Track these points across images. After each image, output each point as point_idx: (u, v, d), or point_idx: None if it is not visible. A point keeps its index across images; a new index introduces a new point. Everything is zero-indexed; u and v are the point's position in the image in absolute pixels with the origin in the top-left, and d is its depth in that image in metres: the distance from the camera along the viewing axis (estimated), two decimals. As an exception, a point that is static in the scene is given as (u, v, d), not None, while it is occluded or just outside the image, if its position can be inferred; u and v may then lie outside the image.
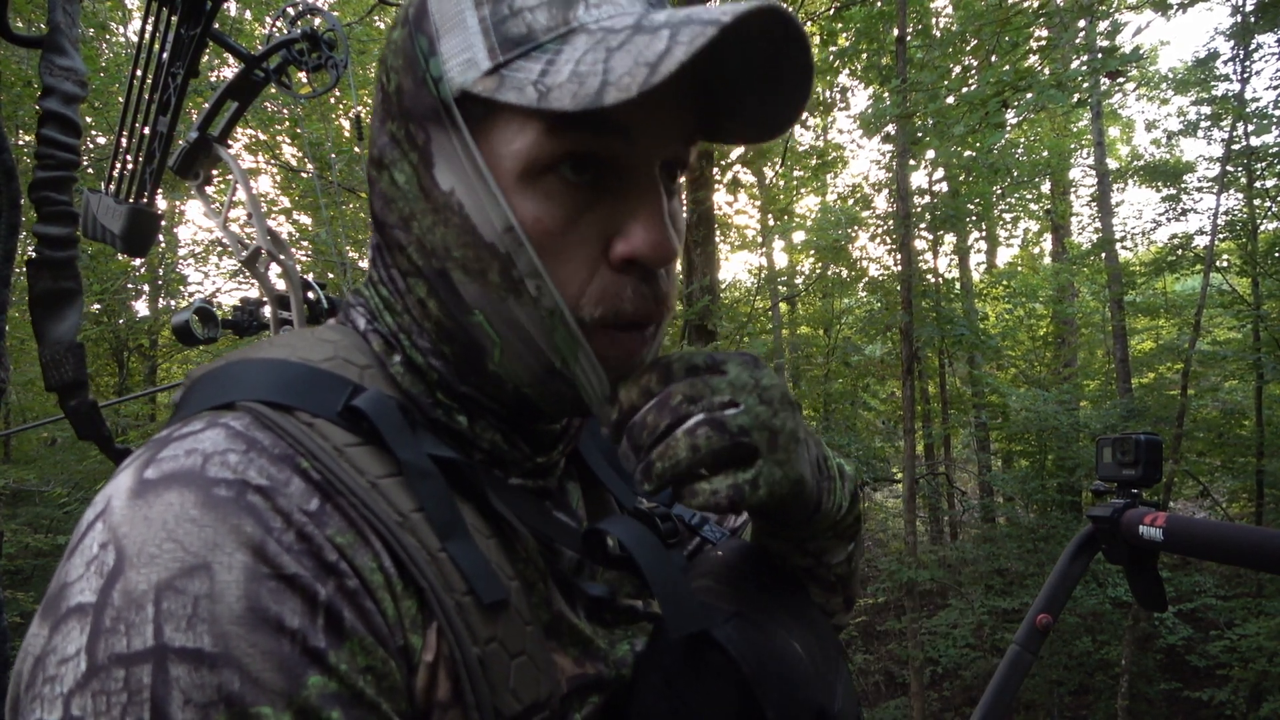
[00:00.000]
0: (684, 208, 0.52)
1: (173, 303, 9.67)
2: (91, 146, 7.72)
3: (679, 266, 0.53)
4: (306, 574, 0.37)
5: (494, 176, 0.44)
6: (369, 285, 0.53)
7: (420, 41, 0.45)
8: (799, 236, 11.36)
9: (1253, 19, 7.35)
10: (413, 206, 0.47)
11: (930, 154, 7.69)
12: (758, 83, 0.46)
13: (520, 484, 0.51)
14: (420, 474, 0.44)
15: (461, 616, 0.41)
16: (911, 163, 7.27)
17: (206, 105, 1.83)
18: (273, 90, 1.92)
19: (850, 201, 10.31)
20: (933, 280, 9.09)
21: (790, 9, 0.41)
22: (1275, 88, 12.63)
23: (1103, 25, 7.56)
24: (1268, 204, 8.45)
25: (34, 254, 0.75)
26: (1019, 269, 14.59)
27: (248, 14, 7.68)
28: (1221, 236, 8.52)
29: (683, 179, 0.51)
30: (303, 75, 1.95)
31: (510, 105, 0.42)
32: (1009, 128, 8.63)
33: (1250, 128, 8.05)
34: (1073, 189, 13.33)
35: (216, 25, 1.54)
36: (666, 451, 0.45)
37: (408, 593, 0.41)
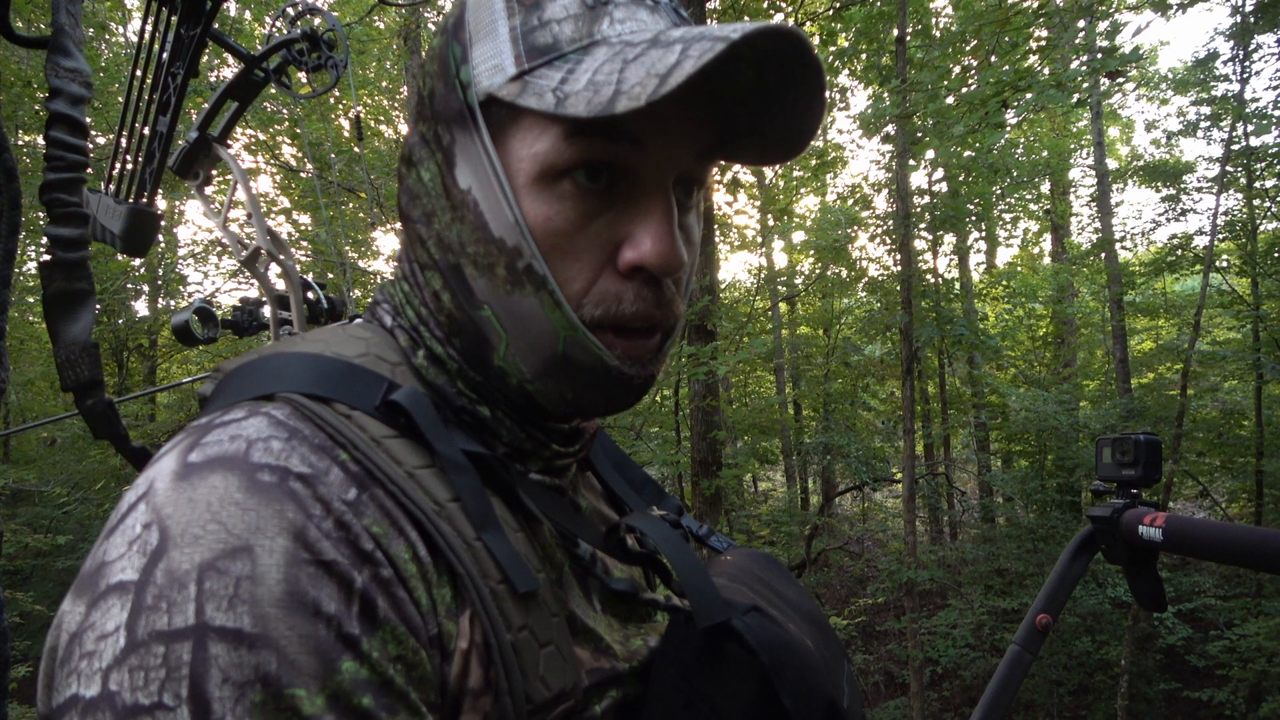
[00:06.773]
0: (700, 224, 0.54)
1: (172, 303, 9.68)
2: (91, 146, 7.71)
3: (693, 277, 0.54)
4: (344, 561, 0.37)
5: (511, 177, 0.46)
6: (394, 282, 0.55)
7: (454, 49, 0.47)
8: (799, 236, 11.36)
9: (1252, 19, 7.36)
10: (435, 203, 0.49)
11: (930, 154, 7.67)
12: (771, 103, 0.47)
13: (540, 479, 0.53)
14: (456, 467, 0.45)
15: (496, 604, 0.43)
16: (911, 163, 7.26)
17: (206, 105, 1.83)
18: (272, 90, 1.92)
19: (850, 201, 10.30)
20: (932, 280, 9.07)
21: (798, 27, 0.42)
22: (1275, 88, 12.63)
23: (1102, 25, 7.55)
24: (1267, 204, 8.45)
25: (47, 256, 0.75)
26: (1019, 269, 14.58)
27: (248, 14, 7.68)
28: (1221, 237, 8.53)
29: (699, 196, 0.51)
30: (302, 75, 1.94)
31: (531, 110, 0.44)
32: (1009, 128, 8.63)
33: (1250, 128, 8.05)
34: (1072, 189, 13.34)
35: (216, 25, 1.54)
36: None
37: (443, 580, 0.42)
